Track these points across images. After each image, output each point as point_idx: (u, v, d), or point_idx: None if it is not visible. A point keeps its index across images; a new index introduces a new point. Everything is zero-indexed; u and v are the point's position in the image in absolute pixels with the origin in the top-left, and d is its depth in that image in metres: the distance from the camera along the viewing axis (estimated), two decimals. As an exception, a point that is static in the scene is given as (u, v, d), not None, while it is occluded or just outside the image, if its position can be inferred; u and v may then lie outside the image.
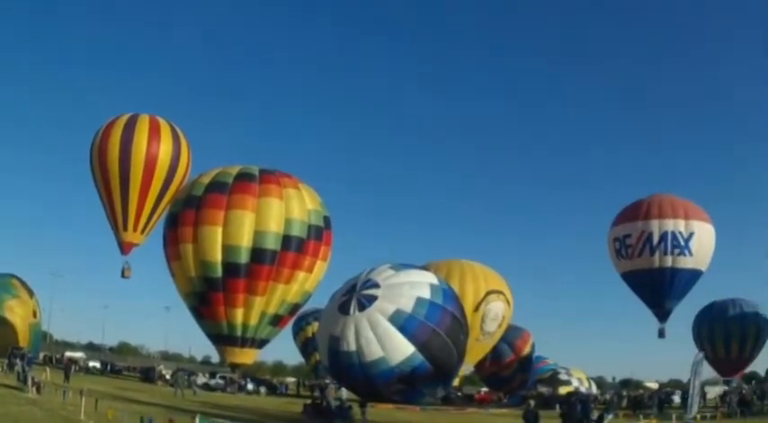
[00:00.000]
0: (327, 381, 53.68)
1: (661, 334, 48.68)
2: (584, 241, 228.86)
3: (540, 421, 27.15)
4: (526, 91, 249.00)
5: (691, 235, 46.14)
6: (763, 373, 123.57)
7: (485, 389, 76.02)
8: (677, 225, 46.21)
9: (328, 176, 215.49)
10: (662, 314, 48.43)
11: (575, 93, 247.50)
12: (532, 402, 28.15)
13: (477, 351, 53.96)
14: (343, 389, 36.05)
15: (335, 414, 31.81)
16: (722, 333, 63.55)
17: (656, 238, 46.31)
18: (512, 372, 65.13)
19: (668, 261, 46.11)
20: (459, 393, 66.86)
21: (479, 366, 60.87)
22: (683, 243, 45.93)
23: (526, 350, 65.89)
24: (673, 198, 49.26)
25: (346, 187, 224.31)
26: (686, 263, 46.27)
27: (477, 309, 51.25)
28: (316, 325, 56.70)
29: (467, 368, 54.36)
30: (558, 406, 39.60)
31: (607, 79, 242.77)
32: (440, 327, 39.16)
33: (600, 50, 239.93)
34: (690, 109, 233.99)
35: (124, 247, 47.08)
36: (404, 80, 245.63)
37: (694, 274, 47.40)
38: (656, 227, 46.60)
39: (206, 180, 46.24)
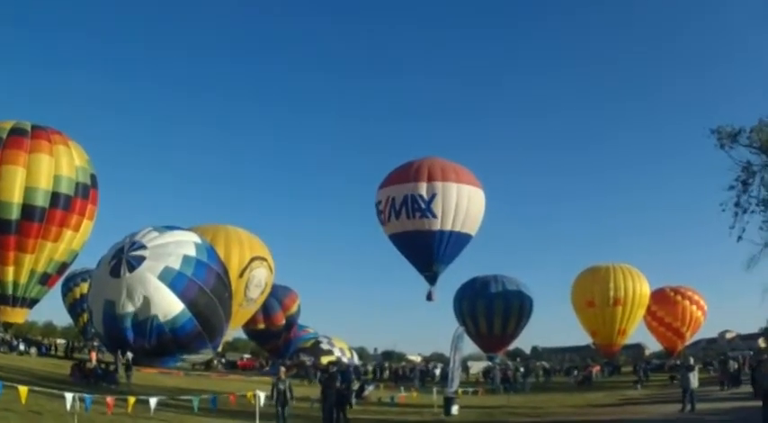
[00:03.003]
0: (96, 343, 53.56)
1: (428, 297, 47.40)
2: (348, 211, 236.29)
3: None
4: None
5: (433, 197, 44.36)
6: (528, 351, 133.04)
7: (247, 355, 78.04)
8: (417, 188, 44.71)
9: (95, 136, 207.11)
10: (428, 277, 47.26)
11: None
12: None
13: (240, 317, 54.57)
14: (129, 352, 36.55)
15: (100, 376, 32.15)
16: (485, 309, 64.24)
17: (398, 203, 45.43)
18: (280, 328, 66.65)
19: (412, 224, 45.14)
20: (223, 359, 68.26)
21: (250, 321, 61.14)
22: (423, 206, 44.41)
23: (293, 309, 67.85)
24: (423, 161, 47.05)
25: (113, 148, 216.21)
26: (432, 225, 44.59)
27: (241, 275, 51.85)
28: (84, 286, 56.46)
29: (230, 333, 55.10)
30: (318, 375, 41.43)
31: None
32: (206, 285, 41.59)
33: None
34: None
35: None
36: (176, 46, 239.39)
37: (447, 236, 45.19)
38: (397, 191, 45.89)
39: (-21, 135, 44.77)
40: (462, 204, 44.94)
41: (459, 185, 45.24)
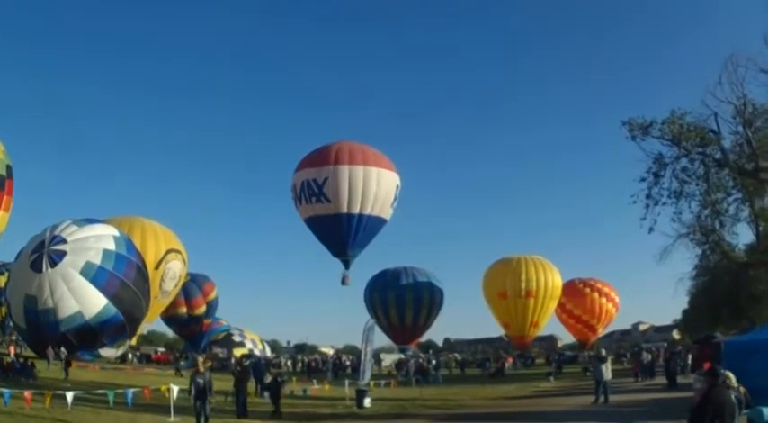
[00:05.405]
0: (14, 337, 53.35)
1: (343, 281, 46.73)
2: (257, 202, 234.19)
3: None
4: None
5: (325, 181, 43.33)
6: (440, 343, 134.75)
7: (162, 349, 77.99)
8: (311, 173, 44.26)
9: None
10: (343, 261, 46.49)
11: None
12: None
13: (155, 309, 53.82)
14: (62, 348, 36.89)
15: (18, 371, 32.67)
16: (395, 301, 63.90)
17: (298, 188, 45.02)
18: (201, 315, 66.11)
19: (313, 209, 44.59)
20: (138, 352, 68.34)
21: (170, 306, 59.80)
22: (316, 190, 43.68)
23: (213, 295, 67.38)
24: (325, 146, 46.05)
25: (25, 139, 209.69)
26: (328, 209, 43.60)
27: (157, 267, 51.60)
28: (1, 279, 55.88)
29: (144, 326, 54.43)
30: (232, 368, 42.38)
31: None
32: (128, 278, 41.51)
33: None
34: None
35: None
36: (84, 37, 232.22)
37: (345, 218, 43.69)
38: (299, 178, 45.30)
39: None
40: (357, 186, 43.68)
41: (352, 167, 43.89)
